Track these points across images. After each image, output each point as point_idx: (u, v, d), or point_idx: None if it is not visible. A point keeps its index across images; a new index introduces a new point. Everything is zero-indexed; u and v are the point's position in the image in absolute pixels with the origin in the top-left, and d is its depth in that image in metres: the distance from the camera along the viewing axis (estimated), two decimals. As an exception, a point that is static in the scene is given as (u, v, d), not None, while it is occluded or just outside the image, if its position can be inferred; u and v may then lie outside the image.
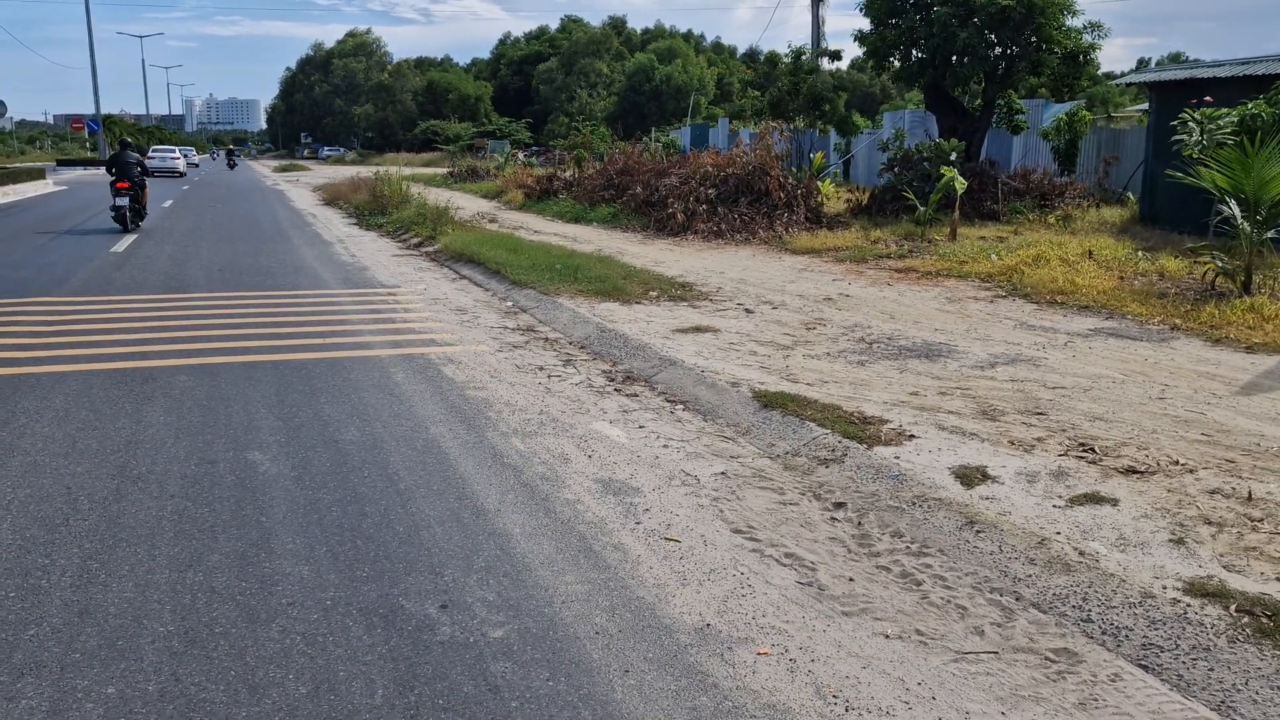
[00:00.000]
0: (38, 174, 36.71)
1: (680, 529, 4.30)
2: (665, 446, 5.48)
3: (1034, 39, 17.53)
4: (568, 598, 3.62)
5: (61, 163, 67.14)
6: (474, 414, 6.07)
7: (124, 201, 17.83)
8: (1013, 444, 5.20)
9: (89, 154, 73.87)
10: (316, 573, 3.78)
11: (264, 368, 7.21)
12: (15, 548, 3.97)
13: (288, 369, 7.18)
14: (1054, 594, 3.66)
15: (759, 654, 3.26)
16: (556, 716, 2.88)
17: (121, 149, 18.49)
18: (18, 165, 44.90)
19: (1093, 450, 5.09)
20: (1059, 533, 4.08)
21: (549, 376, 7.12)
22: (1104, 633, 3.39)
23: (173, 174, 47.08)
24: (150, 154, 49.54)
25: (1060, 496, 4.48)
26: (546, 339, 8.54)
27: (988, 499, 4.46)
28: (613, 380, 7.03)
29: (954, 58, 18.22)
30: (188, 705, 2.89)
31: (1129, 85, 22.67)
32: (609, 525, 4.33)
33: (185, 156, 55.34)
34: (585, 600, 3.61)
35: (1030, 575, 3.80)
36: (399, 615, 3.46)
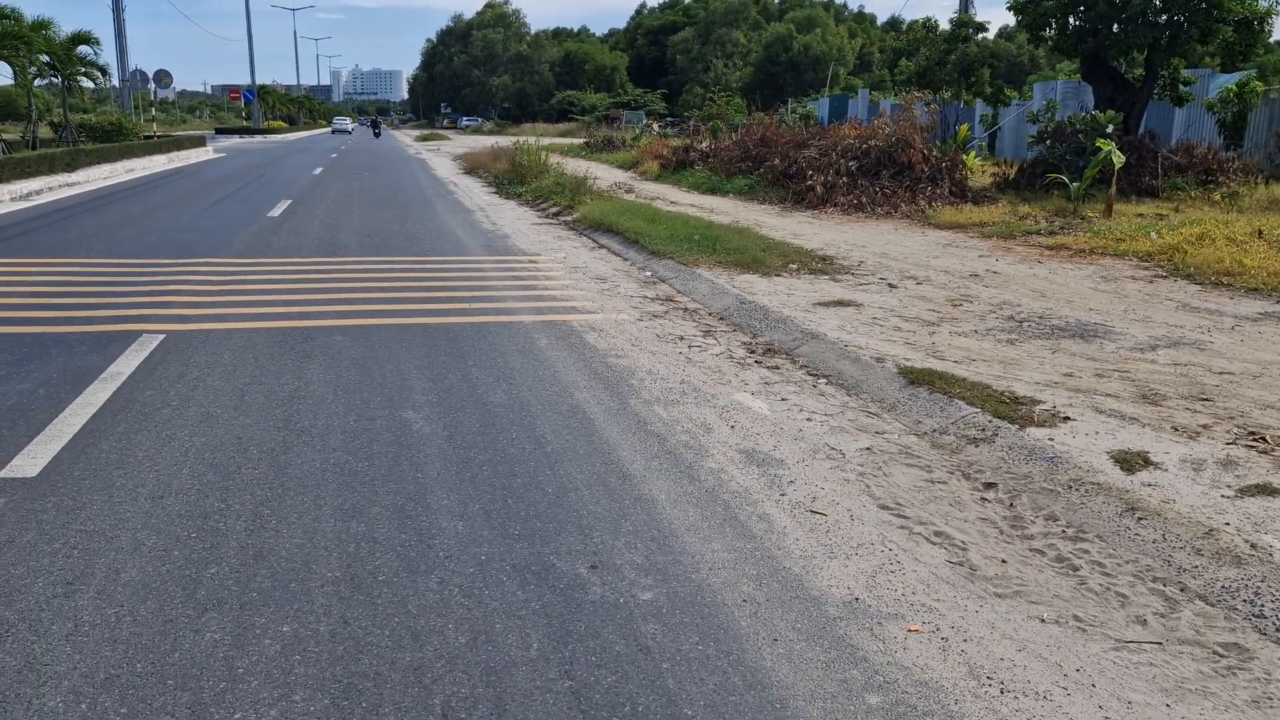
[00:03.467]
0: (199, 141, 38.76)
1: (826, 502, 4.27)
2: (808, 420, 5.45)
3: (1204, 4, 16.49)
4: (714, 564, 3.65)
5: (220, 130, 70.74)
6: (616, 381, 6.14)
7: (377, 131, 65.18)
8: (1176, 430, 4.97)
9: (244, 122, 77.42)
10: (471, 528, 3.91)
11: (414, 330, 7.45)
12: (194, 492, 4.23)
13: (436, 332, 7.41)
14: (1223, 586, 3.49)
15: (909, 630, 3.22)
16: (707, 680, 2.92)
17: (373, 116, 52.63)
18: (181, 134, 47.37)
19: (1264, 440, 4.83)
20: (1228, 524, 3.89)
21: (689, 346, 7.15)
22: (1279, 630, 3.23)
23: (344, 132, 76.85)
24: (334, 120, 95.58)
25: (1229, 486, 4.27)
26: (685, 309, 8.57)
27: (1150, 485, 4.28)
28: (753, 352, 7.01)
29: (1116, 25, 17.33)
30: (356, 647, 3.04)
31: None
32: (753, 495, 4.33)
33: (347, 123, 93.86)
34: (732, 568, 3.63)
35: (1196, 566, 3.64)
36: (551, 573, 3.55)
